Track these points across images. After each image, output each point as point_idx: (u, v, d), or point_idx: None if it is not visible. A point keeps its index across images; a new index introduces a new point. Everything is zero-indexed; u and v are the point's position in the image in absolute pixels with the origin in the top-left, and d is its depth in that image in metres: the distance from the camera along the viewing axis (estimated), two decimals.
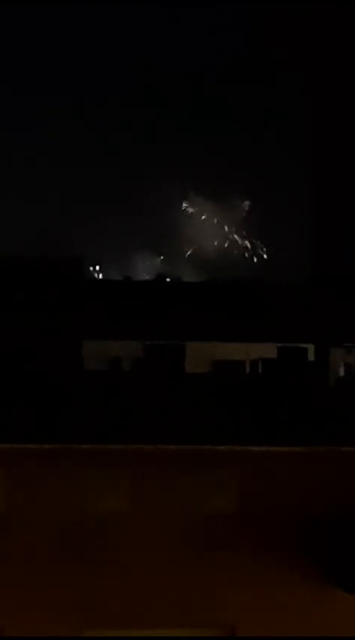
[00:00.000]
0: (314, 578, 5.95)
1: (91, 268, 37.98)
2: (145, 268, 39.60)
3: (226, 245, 42.97)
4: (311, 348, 17.39)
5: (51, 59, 32.74)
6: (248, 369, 17.42)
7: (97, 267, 39.84)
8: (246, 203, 42.35)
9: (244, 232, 43.00)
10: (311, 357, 17.43)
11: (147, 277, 37.05)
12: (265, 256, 41.07)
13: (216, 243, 42.38)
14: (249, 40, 29.93)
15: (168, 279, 34.08)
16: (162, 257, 40.06)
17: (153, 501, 6.70)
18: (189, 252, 41.03)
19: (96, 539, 6.39)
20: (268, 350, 18.01)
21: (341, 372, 18.79)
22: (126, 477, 6.76)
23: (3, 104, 32.02)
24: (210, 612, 5.42)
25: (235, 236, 43.19)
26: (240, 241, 43.00)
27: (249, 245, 42.83)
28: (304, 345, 17.49)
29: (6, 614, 5.20)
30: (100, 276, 38.84)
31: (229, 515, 6.71)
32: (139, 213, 36.99)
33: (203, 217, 42.54)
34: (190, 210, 42.14)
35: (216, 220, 42.81)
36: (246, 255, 42.61)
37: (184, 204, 41.70)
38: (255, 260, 41.41)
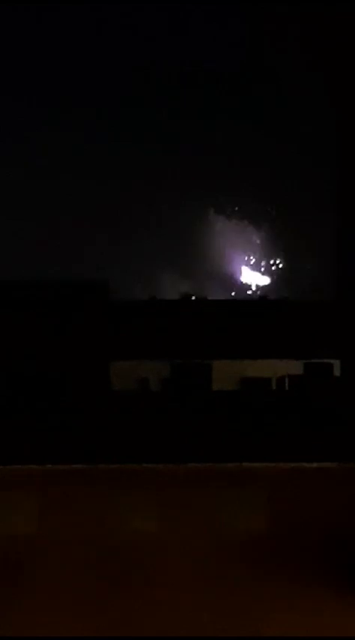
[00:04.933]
0: (349, 598, 5.94)
1: (116, 290, 38.08)
2: (170, 288, 39.68)
3: (251, 263, 43.03)
4: (337, 364, 17.37)
5: (55, 72, 32.72)
6: (275, 386, 17.45)
7: (122, 289, 39.93)
8: (270, 220, 42.41)
9: (268, 250, 43.05)
10: (337, 372, 17.41)
11: (172, 297, 37.06)
12: (289, 273, 41.04)
13: (240, 261, 42.45)
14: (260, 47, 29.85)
15: (193, 298, 34.13)
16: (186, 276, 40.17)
17: (182, 520, 6.72)
18: (213, 271, 41.10)
19: (125, 560, 6.41)
20: (294, 367, 18.03)
21: None
22: (155, 497, 6.79)
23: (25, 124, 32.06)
24: (241, 633, 5.42)
25: (259, 253, 43.25)
26: (264, 259, 43.04)
27: (273, 262, 42.85)
28: (330, 361, 17.48)
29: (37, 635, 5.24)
30: (125, 297, 38.90)
31: (259, 534, 6.71)
32: (162, 232, 37.15)
33: (226, 235, 42.65)
34: (213, 228, 42.26)
35: (239, 238, 42.90)
36: (271, 272, 42.63)
37: (207, 223, 41.83)
38: (280, 277, 41.40)
